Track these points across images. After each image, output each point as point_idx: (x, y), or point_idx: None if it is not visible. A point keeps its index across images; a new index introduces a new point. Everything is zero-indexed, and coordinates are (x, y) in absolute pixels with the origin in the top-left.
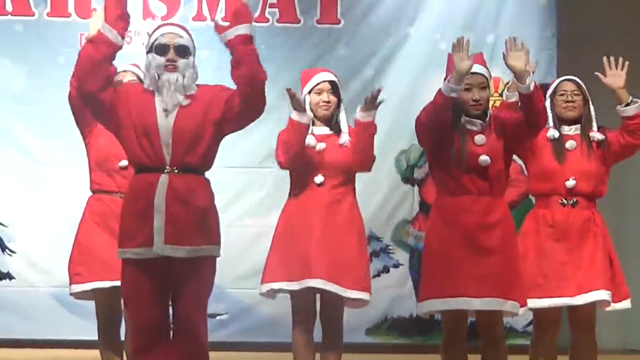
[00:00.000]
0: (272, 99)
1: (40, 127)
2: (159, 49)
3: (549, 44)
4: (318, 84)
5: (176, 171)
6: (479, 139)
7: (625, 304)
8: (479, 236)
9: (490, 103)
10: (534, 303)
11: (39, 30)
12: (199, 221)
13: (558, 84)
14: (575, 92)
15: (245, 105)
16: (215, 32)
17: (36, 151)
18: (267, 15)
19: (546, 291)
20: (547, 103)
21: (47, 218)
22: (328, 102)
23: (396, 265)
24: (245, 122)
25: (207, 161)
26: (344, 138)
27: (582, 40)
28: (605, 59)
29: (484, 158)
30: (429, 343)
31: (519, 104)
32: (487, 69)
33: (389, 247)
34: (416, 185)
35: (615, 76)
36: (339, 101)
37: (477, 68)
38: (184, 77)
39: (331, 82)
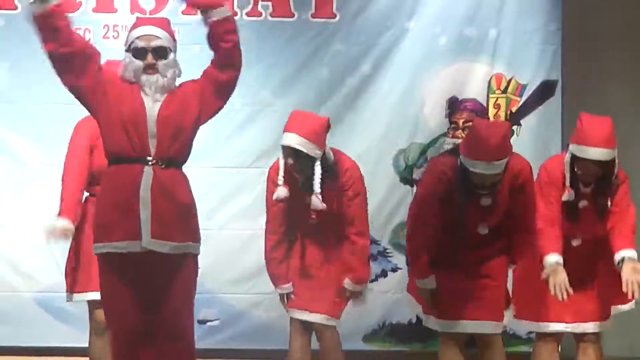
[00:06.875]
0: (265, 96)
1: (23, 126)
2: (137, 52)
3: (553, 38)
4: (283, 147)
5: (160, 164)
6: (485, 200)
7: (630, 305)
8: (475, 268)
9: (492, 101)
10: (532, 326)
11: (22, 24)
12: (184, 217)
13: (581, 160)
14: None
15: (222, 59)
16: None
17: (18, 150)
18: (260, 9)
19: (545, 316)
20: (567, 163)
21: (30, 220)
22: (294, 166)
23: (395, 269)
24: (226, 82)
25: (186, 154)
26: (315, 204)
27: (587, 35)
28: None
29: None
30: (428, 350)
31: None
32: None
33: (387, 251)
34: (415, 186)
35: None
36: (312, 158)
37: (490, 168)
38: (164, 77)
39: (294, 149)
